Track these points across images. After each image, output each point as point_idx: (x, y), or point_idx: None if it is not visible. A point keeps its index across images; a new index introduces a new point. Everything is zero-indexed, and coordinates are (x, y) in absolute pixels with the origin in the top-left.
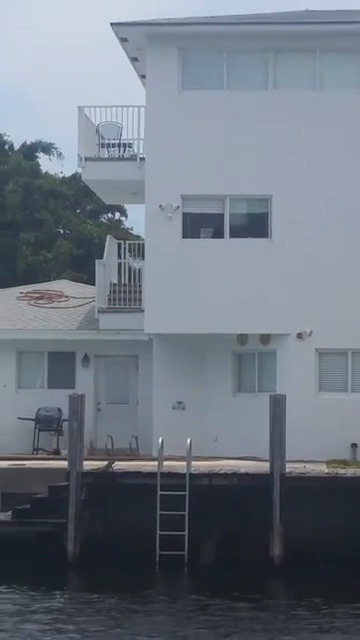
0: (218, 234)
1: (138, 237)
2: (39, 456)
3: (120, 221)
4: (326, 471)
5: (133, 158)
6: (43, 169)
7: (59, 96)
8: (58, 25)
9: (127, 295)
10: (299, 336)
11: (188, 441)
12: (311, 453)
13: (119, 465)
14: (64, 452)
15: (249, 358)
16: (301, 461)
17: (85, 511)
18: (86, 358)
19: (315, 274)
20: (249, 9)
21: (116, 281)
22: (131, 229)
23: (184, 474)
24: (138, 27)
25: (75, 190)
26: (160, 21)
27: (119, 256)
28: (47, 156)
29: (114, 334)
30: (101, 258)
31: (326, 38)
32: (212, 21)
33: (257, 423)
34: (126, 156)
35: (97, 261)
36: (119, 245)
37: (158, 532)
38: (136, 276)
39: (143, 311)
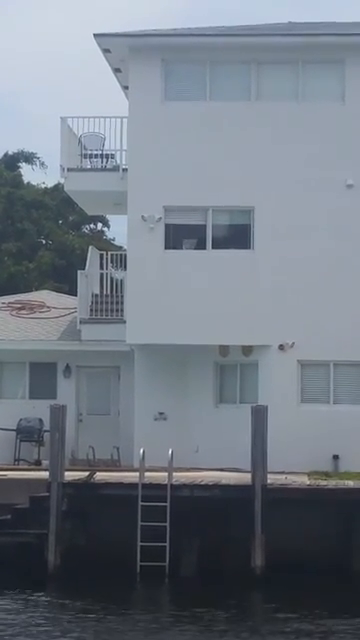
0: (200, 245)
1: (120, 248)
2: (20, 467)
3: (102, 232)
4: (308, 482)
5: (115, 169)
6: (25, 179)
7: (42, 106)
8: (42, 35)
9: (109, 306)
10: (281, 347)
11: (169, 452)
12: (293, 464)
13: (100, 476)
14: (45, 463)
15: (231, 369)
16: (283, 472)
17: (66, 522)
18: (68, 369)
19: (297, 286)
20: (232, 21)
21: (98, 292)
22: (113, 240)
23: (165, 485)
24: (121, 38)
25: (57, 201)
26: (143, 32)
27: (101, 267)
28: (29, 166)
29: (96, 345)
30: (83, 269)
31: (309, 50)
32: (195, 32)
33: (239, 434)
34: (108, 167)
35: (79, 272)
36: (101, 256)
37: (139, 543)
38: (118, 287)
39: (125, 322)
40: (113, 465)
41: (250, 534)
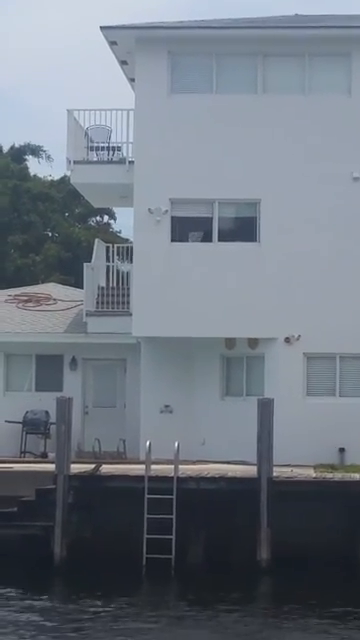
0: (207, 238)
1: (126, 240)
2: (26, 459)
3: (109, 224)
4: (314, 475)
5: (122, 161)
6: (32, 172)
7: (48, 99)
8: (47, 28)
9: (115, 298)
10: (287, 340)
11: (176, 445)
12: (299, 457)
13: (106, 468)
14: (51, 455)
15: (237, 362)
16: (288, 465)
17: (72, 514)
18: (74, 361)
19: (303, 278)
20: (239, 13)
21: (104, 284)
22: (119, 232)
23: (172, 477)
24: (127, 30)
25: (64, 193)
26: (149, 24)
27: (107, 259)
28: (36, 159)
29: (102, 337)
30: (89, 261)
31: (315, 42)
32: (201, 25)
33: (245, 427)
34: (115, 159)
35: (85, 264)
36: (107, 248)
37: (145, 535)
38: (124, 279)
39: (131, 314)
40: (119, 458)
41: (256, 527)
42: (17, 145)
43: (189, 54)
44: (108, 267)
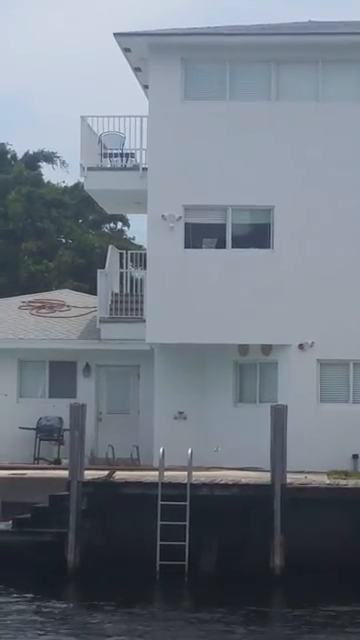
0: (220, 244)
1: (140, 247)
2: (40, 465)
3: (122, 231)
4: (327, 482)
5: (135, 168)
6: (45, 178)
7: (62, 106)
8: (61, 35)
9: (129, 305)
10: (301, 347)
11: (189, 451)
12: (312, 464)
13: (120, 475)
14: (65, 462)
15: (250, 368)
16: (302, 472)
17: (85, 521)
18: (87, 368)
19: (317, 285)
20: (252, 20)
21: (118, 291)
22: (133, 239)
23: (185, 484)
24: (141, 37)
25: (77, 200)
26: (163, 31)
27: (121, 266)
28: (49, 165)
29: (115, 344)
30: (103, 268)
31: (329, 49)
32: (215, 32)
33: (258, 434)
34: (128, 166)
35: (99, 271)
36: (121, 255)
37: (158, 542)
38: (138, 286)
39: (145, 321)
40: (133, 464)
41: (269, 533)
42: (31, 152)
43: (202, 61)
44: (122, 274)
